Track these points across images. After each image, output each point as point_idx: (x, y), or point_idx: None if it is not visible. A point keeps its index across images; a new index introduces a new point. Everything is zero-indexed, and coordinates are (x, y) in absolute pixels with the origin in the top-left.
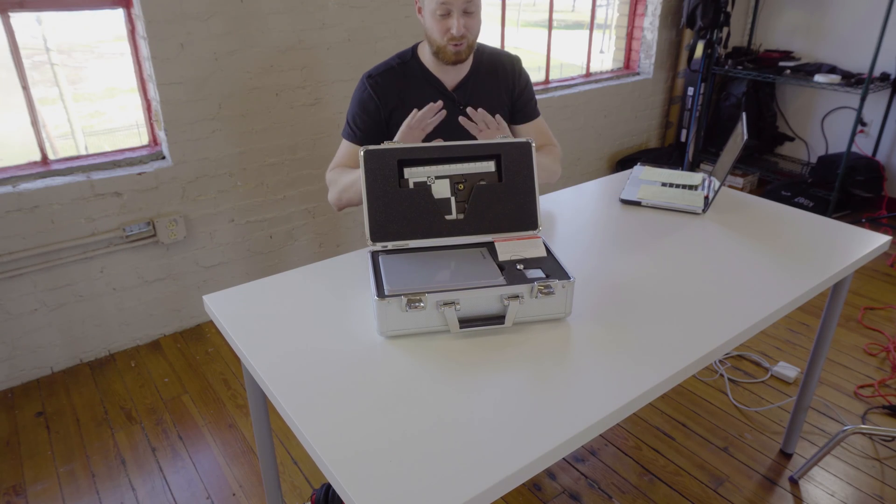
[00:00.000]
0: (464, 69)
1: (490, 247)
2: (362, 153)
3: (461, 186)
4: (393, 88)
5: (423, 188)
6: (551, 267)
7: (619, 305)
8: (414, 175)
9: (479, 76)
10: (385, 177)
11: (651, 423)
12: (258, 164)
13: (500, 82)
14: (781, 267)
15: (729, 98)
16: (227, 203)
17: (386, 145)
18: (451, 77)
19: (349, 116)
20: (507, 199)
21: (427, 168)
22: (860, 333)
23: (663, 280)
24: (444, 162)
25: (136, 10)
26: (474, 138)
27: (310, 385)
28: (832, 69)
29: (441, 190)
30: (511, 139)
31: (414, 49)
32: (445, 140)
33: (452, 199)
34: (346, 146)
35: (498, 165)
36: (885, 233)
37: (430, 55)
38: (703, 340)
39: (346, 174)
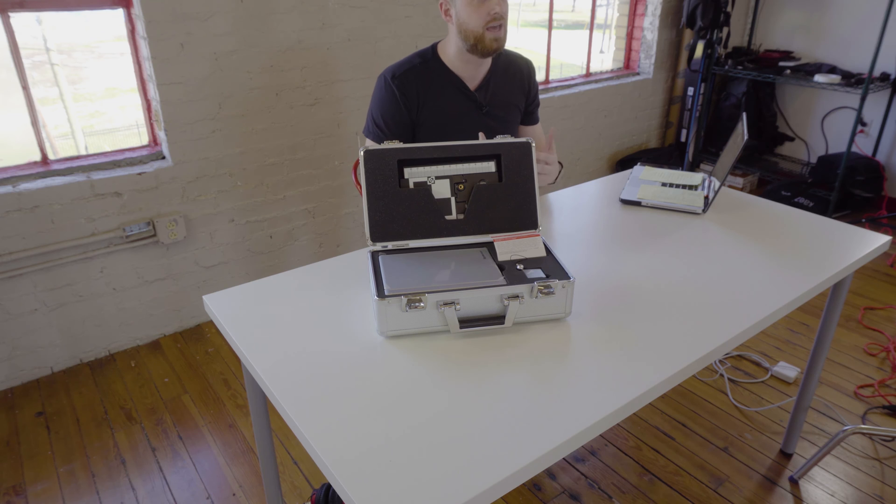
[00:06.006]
0: (484, 68)
1: (490, 247)
2: (362, 153)
3: (461, 186)
4: (416, 88)
5: (424, 188)
6: (551, 267)
7: (619, 305)
8: (414, 175)
9: (497, 76)
10: (385, 177)
11: (651, 423)
12: (258, 164)
13: (515, 84)
14: (781, 267)
15: (729, 98)
16: (227, 203)
17: (386, 145)
18: (473, 76)
19: (374, 117)
20: (507, 200)
21: (427, 168)
22: (860, 333)
23: (663, 280)
24: (444, 162)
25: (136, 10)
26: None
27: (310, 385)
28: (832, 69)
29: (441, 190)
30: (511, 139)
31: (434, 48)
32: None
33: (452, 199)
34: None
35: (498, 165)
36: (885, 233)
37: (454, 55)
38: (703, 340)
39: None
